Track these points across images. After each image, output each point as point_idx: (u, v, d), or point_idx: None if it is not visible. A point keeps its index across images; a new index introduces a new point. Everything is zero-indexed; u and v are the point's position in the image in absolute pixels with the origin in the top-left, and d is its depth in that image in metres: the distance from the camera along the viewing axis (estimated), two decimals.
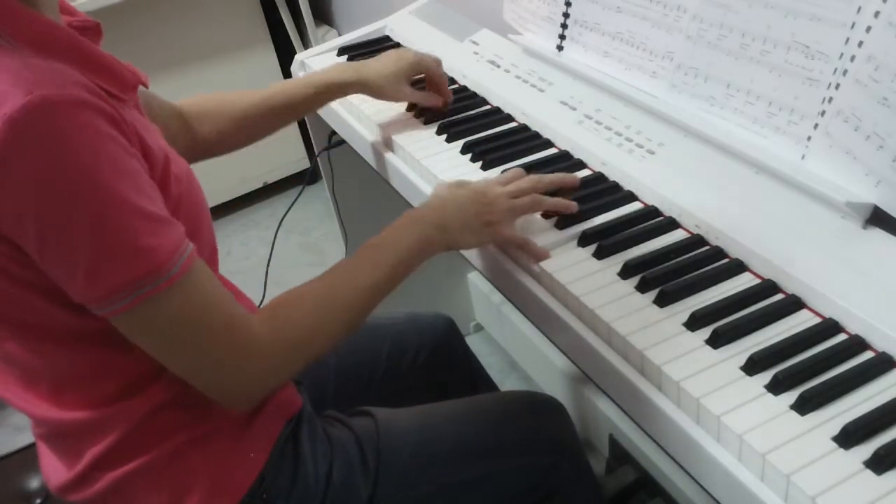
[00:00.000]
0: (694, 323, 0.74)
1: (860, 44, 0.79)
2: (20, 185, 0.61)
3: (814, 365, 0.68)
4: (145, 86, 0.78)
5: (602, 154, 1.00)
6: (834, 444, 0.61)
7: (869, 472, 0.59)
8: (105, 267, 0.64)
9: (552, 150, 1.06)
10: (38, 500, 1.04)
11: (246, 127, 1.08)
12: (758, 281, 0.79)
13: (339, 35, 2.10)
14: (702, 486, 0.68)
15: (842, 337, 0.71)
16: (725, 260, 0.82)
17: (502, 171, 0.98)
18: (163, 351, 0.71)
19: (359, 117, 1.24)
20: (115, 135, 0.65)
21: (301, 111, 1.13)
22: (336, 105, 1.27)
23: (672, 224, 0.88)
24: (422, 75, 1.17)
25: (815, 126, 0.84)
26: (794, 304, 0.75)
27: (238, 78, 2.47)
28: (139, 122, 0.74)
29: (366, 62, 1.14)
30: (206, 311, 0.70)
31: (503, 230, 0.87)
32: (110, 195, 0.63)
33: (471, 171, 1.04)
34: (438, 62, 1.17)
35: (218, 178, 2.42)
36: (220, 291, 0.72)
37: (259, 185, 2.63)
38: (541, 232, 0.90)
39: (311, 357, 0.78)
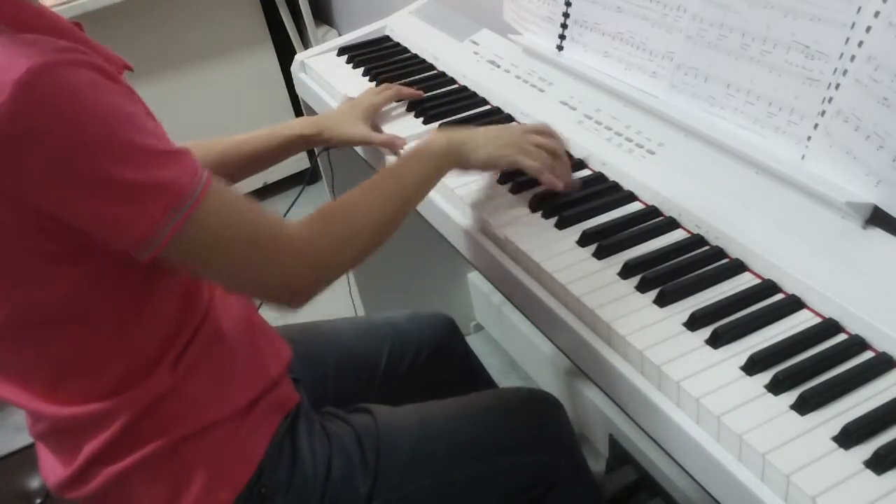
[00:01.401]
0: (694, 323, 0.74)
1: (860, 44, 0.79)
2: (40, 148, 0.63)
3: (814, 365, 0.68)
4: (130, 70, 0.79)
5: (602, 154, 1.00)
6: (834, 444, 0.61)
7: (869, 472, 0.59)
8: (136, 207, 0.67)
9: None
10: (39, 500, 1.05)
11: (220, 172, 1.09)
12: (758, 281, 0.79)
13: (339, 35, 2.10)
14: (702, 486, 0.68)
15: (842, 337, 0.71)
16: (725, 260, 0.82)
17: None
18: (210, 267, 0.73)
19: None
20: (115, 86, 0.68)
21: (265, 164, 1.17)
22: None
23: (672, 224, 0.88)
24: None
25: (815, 126, 0.84)
26: (794, 304, 0.75)
27: (238, 78, 2.47)
28: None
29: (324, 115, 1.21)
30: (239, 214, 0.73)
31: (523, 156, 0.93)
32: (124, 140, 0.66)
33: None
34: (383, 89, 1.21)
35: None
36: (245, 199, 0.75)
37: (259, 184, 2.62)
38: (541, 231, 0.90)
39: (356, 252, 0.81)
